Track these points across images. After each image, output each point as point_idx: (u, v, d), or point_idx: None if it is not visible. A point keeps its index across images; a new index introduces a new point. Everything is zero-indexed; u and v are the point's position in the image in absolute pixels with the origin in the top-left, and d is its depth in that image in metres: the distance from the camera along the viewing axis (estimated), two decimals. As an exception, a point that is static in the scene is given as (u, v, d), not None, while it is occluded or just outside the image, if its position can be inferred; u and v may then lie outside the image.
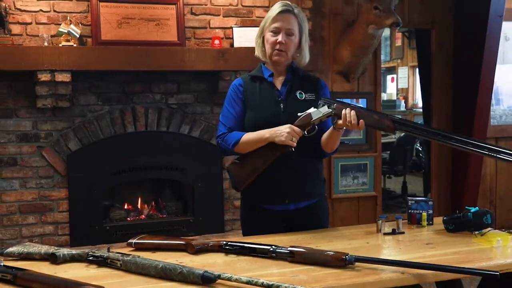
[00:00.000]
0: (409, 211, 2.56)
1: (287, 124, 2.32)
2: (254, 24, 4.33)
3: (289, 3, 2.47)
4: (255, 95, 2.46)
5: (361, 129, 2.30)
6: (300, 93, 2.45)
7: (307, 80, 2.53)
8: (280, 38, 2.39)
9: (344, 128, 2.30)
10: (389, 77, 13.38)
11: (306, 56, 2.52)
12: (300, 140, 2.33)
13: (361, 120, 2.23)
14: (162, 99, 4.27)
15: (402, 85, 12.72)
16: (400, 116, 10.83)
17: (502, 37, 5.04)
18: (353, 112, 2.23)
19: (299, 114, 2.34)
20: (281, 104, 2.42)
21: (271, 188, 2.44)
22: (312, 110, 2.33)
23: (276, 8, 2.42)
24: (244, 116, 2.46)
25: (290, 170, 2.43)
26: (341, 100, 2.38)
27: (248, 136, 2.38)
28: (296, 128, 2.29)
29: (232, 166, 2.48)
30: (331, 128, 2.34)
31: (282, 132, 2.28)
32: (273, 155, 2.34)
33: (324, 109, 2.31)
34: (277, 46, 2.40)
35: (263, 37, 2.47)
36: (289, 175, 2.43)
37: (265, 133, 2.33)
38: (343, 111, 2.24)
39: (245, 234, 2.56)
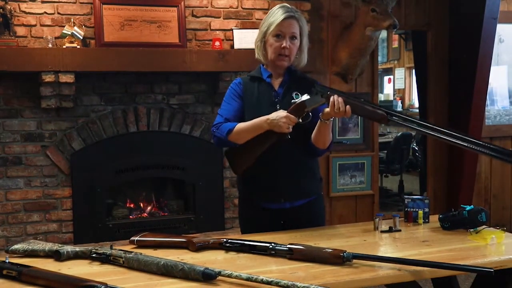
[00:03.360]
0: (406, 209, 2.57)
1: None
2: (254, 26, 4.35)
3: (289, 6, 2.47)
4: (253, 95, 2.49)
5: (348, 116, 2.27)
6: (296, 94, 2.45)
7: (304, 81, 2.54)
8: (285, 43, 2.40)
9: (331, 119, 2.30)
10: (386, 78, 13.34)
11: (305, 58, 2.54)
12: (294, 139, 2.36)
13: (347, 106, 2.22)
14: (163, 99, 4.30)
15: (399, 85, 12.69)
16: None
17: (497, 39, 5.06)
18: (340, 99, 2.23)
19: (293, 101, 2.34)
20: (278, 105, 2.44)
21: (267, 187, 2.47)
22: (305, 97, 2.32)
23: (279, 14, 2.41)
24: (242, 112, 2.48)
25: (285, 169, 2.45)
26: (336, 90, 2.34)
27: (243, 124, 2.39)
28: (292, 117, 2.29)
29: (230, 150, 2.51)
30: (319, 121, 2.33)
31: (279, 121, 2.28)
32: (269, 140, 2.36)
33: (318, 98, 2.30)
34: (282, 51, 2.42)
35: (265, 41, 2.47)
36: (285, 175, 2.45)
37: (262, 122, 2.33)
38: (331, 98, 2.23)
39: (243, 231, 2.59)
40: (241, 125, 2.39)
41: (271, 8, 2.51)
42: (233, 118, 2.46)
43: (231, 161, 2.52)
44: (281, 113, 2.31)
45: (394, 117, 2.20)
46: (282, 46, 2.41)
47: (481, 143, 2.08)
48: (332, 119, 2.32)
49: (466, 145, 2.07)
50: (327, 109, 2.26)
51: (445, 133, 2.10)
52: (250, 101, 2.48)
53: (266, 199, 2.50)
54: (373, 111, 2.25)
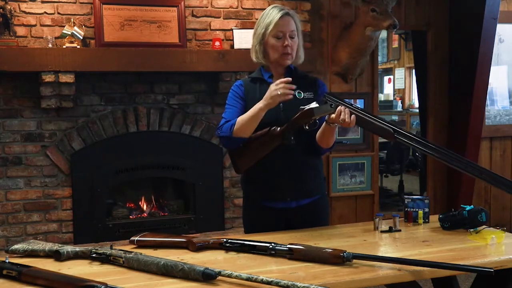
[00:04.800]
0: (406, 209, 2.56)
1: (286, 123, 2.34)
2: (253, 26, 4.33)
3: (281, 5, 2.49)
4: (255, 95, 2.48)
5: (351, 126, 2.28)
6: (298, 92, 2.46)
7: (305, 80, 2.55)
8: (286, 42, 2.41)
9: (336, 124, 2.30)
10: (386, 78, 13.37)
11: (302, 55, 2.54)
12: (299, 138, 2.37)
13: (352, 117, 2.24)
14: (163, 99, 4.30)
15: (399, 86, 12.72)
16: (396, 116, 10.94)
17: (497, 39, 5.06)
18: (347, 110, 2.24)
19: (301, 107, 2.34)
20: (280, 104, 2.41)
21: (272, 186, 2.47)
22: (314, 105, 2.32)
23: (275, 14, 2.42)
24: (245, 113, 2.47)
25: (290, 168, 2.45)
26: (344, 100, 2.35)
27: (242, 116, 2.38)
28: (277, 81, 2.29)
29: (234, 149, 2.50)
30: (324, 123, 2.35)
31: (271, 93, 2.28)
32: (273, 143, 2.37)
33: (326, 107, 2.29)
34: (285, 50, 2.42)
35: (264, 43, 2.47)
36: (290, 173, 2.45)
37: (259, 105, 2.32)
38: (339, 108, 2.25)
39: (247, 231, 2.59)
40: (240, 118, 2.39)
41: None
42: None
43: (233, 161, 2.52)
44: (270, 89, 2.31)
45: (401, 136, 2.20)
46: (285, 44, 2.42)
47: (484, 170, 2.11)
48: (335, 125, 2.33)
49: (469, 171, 2.10)
50: (333, 115, 2.26)
51: (451, 157, 2.12)
52: (252, 103, 2.46)
53: (271, 198, 2.50)
54: (381, 127, 2.24)
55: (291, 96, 2.30)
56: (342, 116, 2.23)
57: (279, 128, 2.36)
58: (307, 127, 2.35)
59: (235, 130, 2.37)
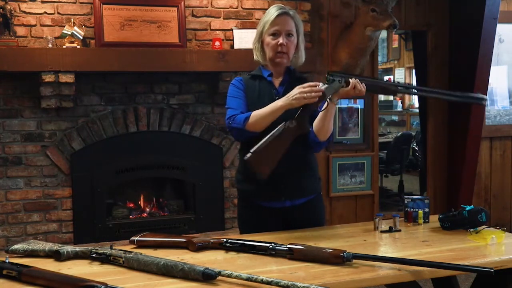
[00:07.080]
0: (406, 209, 2.57)
1: (298, 112, 2.30)
2: (254, 26, 4.33)
3: (283, 5, 2.51)
4: (254, 92, 2.49)
5: (362, 94, 2.32)
6: None
7: (303, 81, 2.52)
8: (281, 40, 2.42)
9: (338, 100, 2.35)
10: (386, 78, 13.37)
11: (303, 56, 2.55)
12: (296, 139, 2.35)
13: (362, 83, 2.29)
14: (163, 99, 4.30)
15: (399, 85, 12.72)
16: (396, 116, 10.96)
17: (497, 39, 5.06)
18: (357, 80, 2.28)
19: None
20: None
21: (267, 186, 2.42)
22: (323, 86, 2.30)
23: (273, 12, 2.44)
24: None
25: (285, 167, 2.41)
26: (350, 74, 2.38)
27: (259, 110, 2.34)
28: (305, 85, 2.28)
29: (250, 157, 2.29)
30: (323, 109, 2.33)
31: (294, 95, 2.26)
32: (292, 137, 2.30)
33: (336, 84, 2.30)
34: (279, 48, 2.43)
35: (262, 41, 2.50)
36: (284, 173, 2.42)
37: (277, 102, 2.31)
38: (352, 80, 2.27)
39: (242, 231, 2.58)
40: (256, 112, 2.35)
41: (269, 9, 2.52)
42: (245, 110, 2.43)
43: (254, 169, 2.32)
44: (294, 90, 2.29)
45: (402, 87, 2.49)
46: (279, 43, 2.42)
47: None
48: (337, 100, 2.33)
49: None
50: (346, 89, 2.28)
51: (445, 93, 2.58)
52: (251, 98, 2.48)
53: (267, 198, 2.49)
54: (384, 87, 2.44)
55: (316, 99, 2.28)
56: (358, 87, 2.28)
57: (294, 121, 2.30)
58: (319, 109, 2.35)
59: (249, 123, 2.34)
